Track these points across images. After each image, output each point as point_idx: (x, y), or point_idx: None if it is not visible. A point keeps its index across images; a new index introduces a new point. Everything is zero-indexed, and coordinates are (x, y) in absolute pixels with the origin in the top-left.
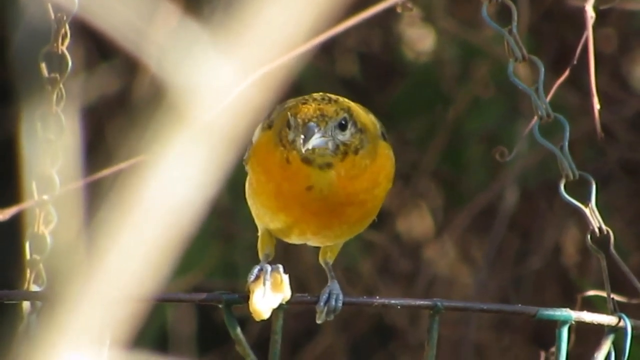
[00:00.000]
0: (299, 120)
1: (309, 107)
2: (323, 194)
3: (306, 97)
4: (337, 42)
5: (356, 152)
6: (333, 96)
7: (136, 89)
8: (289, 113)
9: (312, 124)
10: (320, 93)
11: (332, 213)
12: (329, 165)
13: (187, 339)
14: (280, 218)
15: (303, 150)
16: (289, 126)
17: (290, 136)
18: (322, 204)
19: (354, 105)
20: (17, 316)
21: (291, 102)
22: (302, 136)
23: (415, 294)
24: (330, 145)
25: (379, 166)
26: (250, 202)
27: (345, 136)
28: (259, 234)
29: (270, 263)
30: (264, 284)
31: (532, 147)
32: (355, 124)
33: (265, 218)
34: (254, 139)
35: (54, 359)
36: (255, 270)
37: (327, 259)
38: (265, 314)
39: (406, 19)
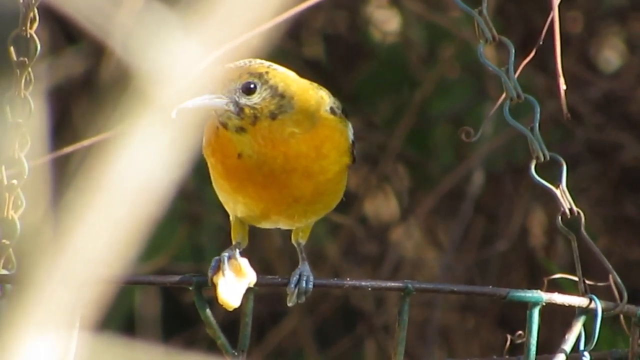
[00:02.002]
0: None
1: (224, 69)
2: (253, 159)
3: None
4: (304, 23)
5: (273, 117)
6: (255, 61)
7: (103, 71)
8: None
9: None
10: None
11: (278, 183)
12: (242, 129)
13: (154, 321)
14: (239, 200)
15: (188, 105)
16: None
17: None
18: (262, 172)
19: (280, 73)
20: None
21: None
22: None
23: (382, 276)
24: (231, 107)
25: (321, 136)
26: (216, 190)
27: (251, 100)
28: (231, 221)
29: (229, 251)
30: (223, 273)
31: (498, 129)
32: (272, 89)
33: (229, 204)
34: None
35: (24, 341)
36: (214, 262)
37: (299, 239)
38: (234, 302)
39: (373, 1)
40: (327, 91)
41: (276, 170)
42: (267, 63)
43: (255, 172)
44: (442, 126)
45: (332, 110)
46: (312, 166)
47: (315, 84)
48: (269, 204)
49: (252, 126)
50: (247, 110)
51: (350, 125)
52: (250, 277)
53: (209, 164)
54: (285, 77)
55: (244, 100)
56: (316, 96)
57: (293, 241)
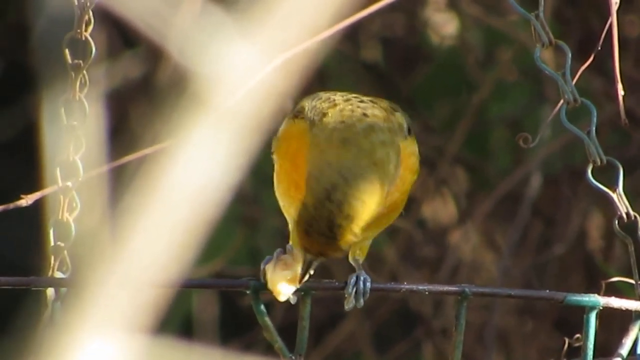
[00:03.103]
0: (306, 254)
1: (313, 245)
2: None
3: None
4: (361, 27)
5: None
6: (341, 221)
7: (160, 75)
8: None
9: (313, 262)
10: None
11: None
12: None
13: (212, 325)
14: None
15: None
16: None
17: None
18: None
19: (366, 179)
20: (41, 304)
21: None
22: (303, 268)
23: (440, 279)
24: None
25: (403, 170)
26: (277, 194)
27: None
28: (291, 228)
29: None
30: (274, 263)
31: (555, 133)
32: (356, 234)
33: (290, 210)
34: (281, 127)
35: (78, 346)
36: (267, 257)
37: (356, 256)
38: (283, 290)
39: (431, 4)
40: (399, 109)
41: None
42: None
43: None
44: (500, 129)
45: (409, 130)
46: (394, 199)
47: (387, 103)
48: None
49: None
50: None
51: (415, 139)
52: (296, 268)
53: (278, 166)
54: (364, 206)
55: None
56: (397, 132)
57: (350, 259)
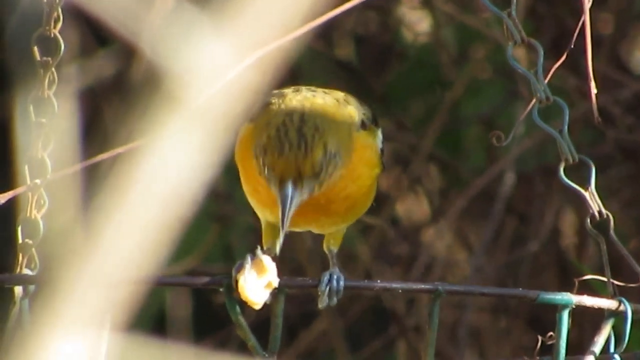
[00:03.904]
0: (275, 176)
1: (284, 162)
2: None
3: (280, 133)
4: (334, 25)
5: (330, 176)
6: (309, 134)
7: (133, 73)
8: (260, 159)
9: (288, 189)
10: (305, 91)
11: (315, 212)
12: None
13: (185, 322)
14: (267, 212)
15: (282, 229)
16: (262, 162)
17: (264, 175)
18: (304, 205)
19: (328, 131)
20: (9, 301)
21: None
22: (280, 204)
23: (413, 277)
24: (306, 195)
25: (356, 162)
26: (246, 195)
27: (319, 177)
28: (262, 226)
29: (257, 252)
30: (245, 272)
31: (529, 130)
32: (330, 155)
33: (259, 212)
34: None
35: (47, 344)
36: (238, 263)
37: (330, 246)
38: (256, 300)
39: (404, 2)
40: (354, 100)
41: (317, 205)
42: (312, 129)
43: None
44: (473, 127)
45: (363, 124)
46: (350, 191)
47: (342, 95)
48: (300, 222)
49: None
50: (316, 187)
51: (379, 132)
52: (270, 274)
53: (240, 170)
54: (331, 132)
55: (314, 182)
56: (348, 121)
57: (324, 248)
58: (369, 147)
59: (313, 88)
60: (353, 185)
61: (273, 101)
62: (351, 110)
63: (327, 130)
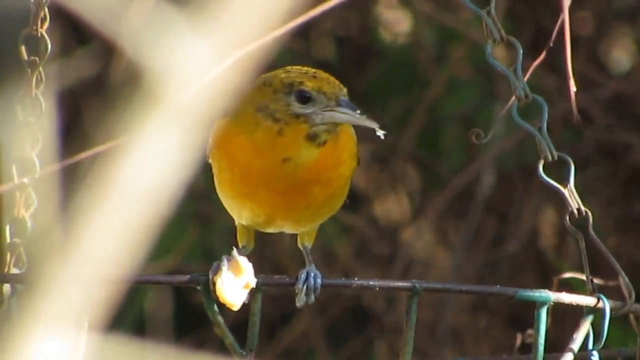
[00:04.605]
0: (329, 94)
1: (330, 80)
2: (296, 168)
3: (291, 69)
4: (313, 24)
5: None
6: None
7: (113, 72)
8: (297, 87)
9: (343, 98)
10: (297, 67)
11: (299, 192)
12: (324, 143)
13: (165, 321)
14: (246, 206)
15: (376, 127)
16: (297, 98)
17: (297, 110)
18: (290, 181)
19: None
20: None
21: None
22: (345, 110)
23: (393, 276)
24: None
25: (343, 144)
26: (220, 196)
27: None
28: (236, 226)
29: (233, 253)
30: (221, 273)
31: (508, 129)
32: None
33: (234, 210)
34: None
35: (33, 341)
36: (215, 264)
37: (305, 242)
38: (234, 301)
39: (383, 2)
40: None
41: (305, 180)
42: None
43: (280, 179)
44: (452, 126)
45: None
46: (332, 175)
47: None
48: (279, 209)
49: (331, 141)
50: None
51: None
52: (247, 277)
53: (215, 169)
54: None
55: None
56: None
57: (299, 245)
58: (352, 138)
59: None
60: (336, 169)
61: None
62: None
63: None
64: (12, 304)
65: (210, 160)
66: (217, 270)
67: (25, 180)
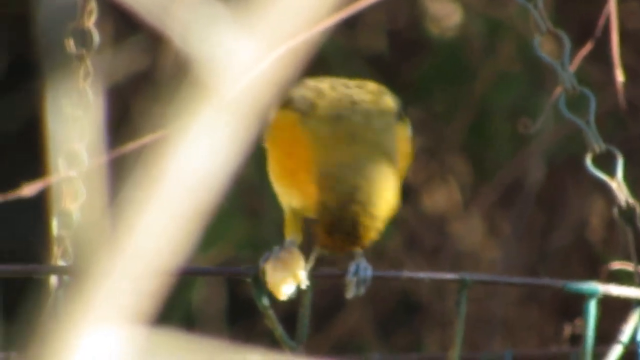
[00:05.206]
0: (324, 248)
1: (333, 243)
2: None
3: (335, 216)
4: (361, 17)
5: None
6: (363, 224)
7: (162, 65)
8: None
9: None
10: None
11: None
12: None
13: (216, 313)
14: (296, 197)
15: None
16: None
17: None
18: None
19: (377, 166)
20: (44, 292)
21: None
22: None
23: (442, 268)
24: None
25: (399, 158)
26: (272, 181)
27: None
28: (285, 216)
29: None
30: (271, 262)
31: (557, 121)
32: (378, 235)
33: (285, 197)
34: (271, 118)
35: (81, 334)
36: (265, 254)
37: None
38: (283, 290)
39: None
40: (388, 92)
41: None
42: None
43: None
44: (501, 118)
45: (399, 116)
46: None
47: (374, 85)
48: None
49: None
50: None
51: (409, 122)
52: (296, 266)
53: (271, 156)
54: (383, 194)
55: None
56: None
57: None
58: (406, 139)
59: (347, 82)
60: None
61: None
62: (388, 100)
63: (384, 205)
64: (58, 295)
65: (265, 145)
66: (267, 259)
67: (72, 173)
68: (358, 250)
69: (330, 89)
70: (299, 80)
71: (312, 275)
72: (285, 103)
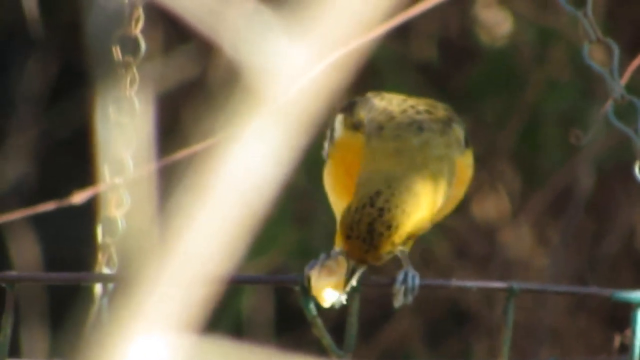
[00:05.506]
0: (348, 260)
1: (351, 246)
2: None
3: (355, 217)
4: (413, 24)
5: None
6: (379, 231)
7: (212, 72)
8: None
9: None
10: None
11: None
12: None
13: (264, 322)
14: None
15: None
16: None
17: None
18: None
19: (414, 189)
20: (89, 300)
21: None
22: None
23: (490, 276)
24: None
25: (457, 184)
26: (327, 189)
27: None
28: (338, 226)
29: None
30: (318, 269)
31: (607, 129)
32: (395, 249)
33: (339, 206)
34: (337, 134)
35: (126, 342)
36: (311, 262)
37: (403, 247)
38: (327, 297)
39: (482, 2)
40: (456, 118)
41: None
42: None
43: None
44: (551, 126)
45: (467, 143)
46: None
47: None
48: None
49: None
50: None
51: (472, 150)
52: (341, 274)
53: (331, 169)
54: (410, 214)
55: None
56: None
57: (396, 251)
58: (469, 165)
59: (417, 107)
60: (450, 206)
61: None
62: (457, 130)
63: (404, 218)
64: (103, 303)
65: (327, 159)
66: (313, 266)
67: (118, 180)
68: (377, 262)
69: (400, 112)
70: (364, 94)
71: (360, 283)
72: (355, 125)
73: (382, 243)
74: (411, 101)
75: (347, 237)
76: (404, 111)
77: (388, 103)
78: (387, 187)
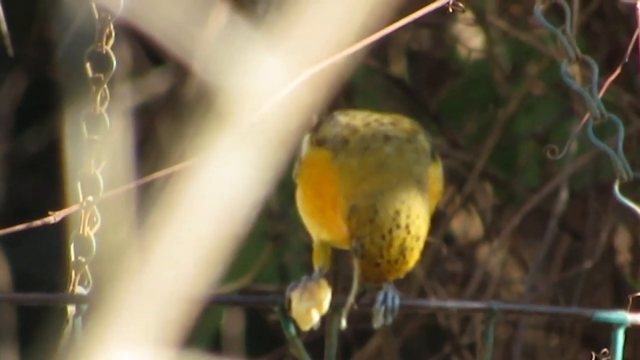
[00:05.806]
0: (364, 279)
1: (378, 272)
2: None
3: (383, 244)
4: (388, 41)
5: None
6: (410, 248)
7: (186, 91)
8: (356, 257)
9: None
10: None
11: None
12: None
13: (239, 341)
14: (325, 232)
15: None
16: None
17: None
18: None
19: (419, 225)
20: (62, 318)
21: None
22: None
23: (467, 295)
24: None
25: (430, 197)
26: (301, 213)
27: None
28: (314, 245)
29: (314, 275)
30: (298, 293)
31: (583, 148)
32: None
33: (314, 228)
34: (303, 153)
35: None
36: (292, 284)
37: None
38: (307, 321)
39: (457, 18)
40: (416, 124)
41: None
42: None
43: None
44: (528, 144)
45: (433, 155)
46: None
47: (407, 123)
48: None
49: None
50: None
51: (440, 163)
52: (322, 297)
53: (303, 189)
54: (425, 222)
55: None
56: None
57: None
58: (439, 179)
59: (381, 119)
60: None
61: (345, 134)
62: (422, 141)
63: (424, 224)
64: (76, 323)
65: (296, 180)
66: (294, 288)
67: (90, 198)
68: (399, 277)
69: (364, 125)
70: (330, 112)
71: (339, 304)
72: (319, 142)
73: (414, 257)
74: (376, 115)
75: (376, 265)
76: (367, 124)
77: (352, 118)
78: (401, 203)
